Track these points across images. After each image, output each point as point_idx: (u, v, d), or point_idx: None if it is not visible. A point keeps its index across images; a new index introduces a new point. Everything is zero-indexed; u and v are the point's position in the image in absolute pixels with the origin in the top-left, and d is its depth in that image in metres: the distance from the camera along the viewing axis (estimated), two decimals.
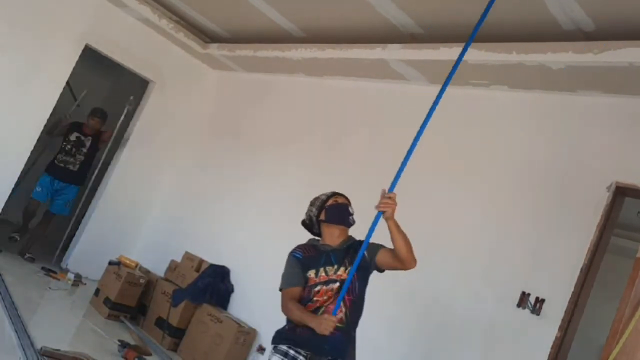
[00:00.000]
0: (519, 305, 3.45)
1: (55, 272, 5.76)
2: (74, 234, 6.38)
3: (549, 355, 3.23)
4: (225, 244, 5.56)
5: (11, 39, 5.29)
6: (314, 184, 5.06)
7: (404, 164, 2.71)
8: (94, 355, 3.78)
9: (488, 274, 3.70)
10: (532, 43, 3.53)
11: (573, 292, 3.28)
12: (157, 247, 6.27)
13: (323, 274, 2.72)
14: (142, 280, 5.24)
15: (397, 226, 2.56)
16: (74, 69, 5.75)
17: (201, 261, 5.44)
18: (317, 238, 2.95)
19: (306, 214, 2.98)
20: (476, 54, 3.80)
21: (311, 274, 2.72)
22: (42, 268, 5.76)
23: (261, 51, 5.52)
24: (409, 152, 2.75)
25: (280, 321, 4.92)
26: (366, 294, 2.77)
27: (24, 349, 3.50)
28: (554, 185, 3.65)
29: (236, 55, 5.91)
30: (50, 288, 5.30)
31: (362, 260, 2.62)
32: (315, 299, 2.68)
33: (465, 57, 3.88)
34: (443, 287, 3.87)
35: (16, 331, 3.79)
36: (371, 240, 2.62)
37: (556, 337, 3.24)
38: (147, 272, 5.68)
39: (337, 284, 2.68)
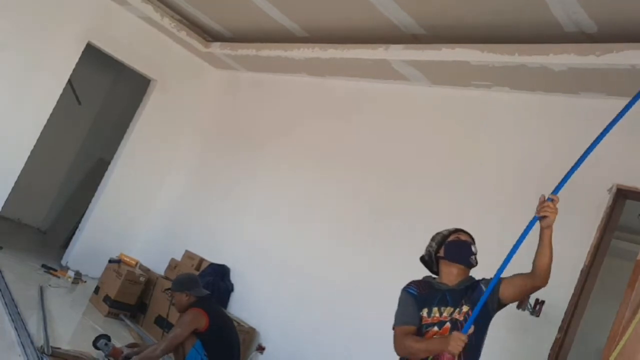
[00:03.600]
0: (518, 306, 3.44)
1: (55, 270, 5.76)
2: (75, 232, 6.39)
3: (549, 356, 3.22)
4: (226, 243, 5.56)
5: (13, 37, 5.29)
6: (315, 184, 5.09)
7: (573, 169, 2.50)
8: (94, 353, 3.78)
9: (488, 274, 3.69)
10: (534, 45, 3.53)
11: (573, 294, 3.28)
12: (157, 245, 6.27)
13: (437, 314, 2.49)
14: (142, 279, 5.24)
15: (551, 237, 2.35)
16: (76, 66, 5.75)
17: (201, 260, 5.44)
18: (433, 276, 2.73)
19: (426, 249, 2.77)
20: (478, 55, 3.81)
21: (424, 312, 2.51)
22: (43, 265, 5.77)
23: (263, 51, 5.52)
24: (581, 158, 2.56)
25: (281, 321, 4.91)
26: (485, 337, 2.54)
27: (23, 346, 3.51)
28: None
29: (238, 54, 5.91)
30: (50, 285, 5.30)
31: (479, 298, 2.41)
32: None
33: (468, 58, 3.92)
34: None
35: (16, 328, 3.79)
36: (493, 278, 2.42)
37: (556, 339, 3.24)
38: (147, 270, 5.68)
39: (448, 324, 2.46)
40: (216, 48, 6.14)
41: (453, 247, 2.63)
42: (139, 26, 6.03)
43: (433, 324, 2.47)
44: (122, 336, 4.63)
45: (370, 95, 5.04)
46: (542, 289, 3.37)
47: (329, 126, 5.23)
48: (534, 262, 2.37)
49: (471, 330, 2.29)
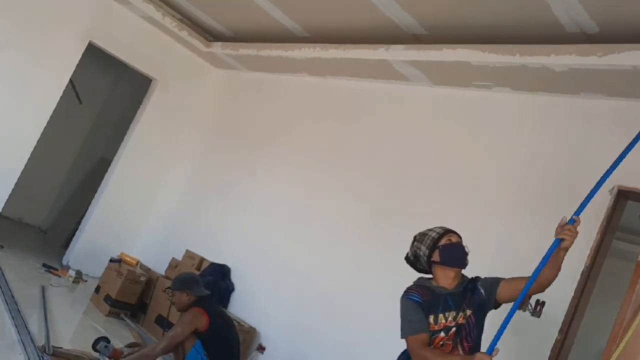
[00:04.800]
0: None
1: (56, 269, 5.77)
2: (76, 232, 6.39)
3: (549, 357, 3.22)
4: (226, 243, 5.56)
5: (14, 36, 5.30)
6: (316, 184, 5.09)
7: (596, 188, 2.47)
8: (94, 353, 3.78)
9: (489, 275, 3.69)
10: (535, 45, 3.52)
11: (574, 295, 3.27)
12: (158, 245, 6.27)
13: (443, 320, 2.47)
14: (142, 278, 5.24)
15: (564, 257, 2.36)
16: (77, 66, 5.75)
17: (202, 260, 5.45)
18: (426, 276, 2.69)
19: (411, 250, 2.73)
20: (479, 56, 3.80)
21: (430, 319, 2.48)
22: (43, 265, 5.77)
23: (264, 50, 5.52)
24: (603, 178, 2.51)
25: (281, 321, 4.92)
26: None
27: (24, 345, 3.51)
28: (555, 187, 3.64)
29: (239, 54, 5.91)
30: (51, 285, 5.31)
31: (479, 299, 2.47)
32: (432, 347, 2.45)
33: (469, 58, 3.92)
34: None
35: (16, 327, 3.79)
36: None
37: (556, 340, 3.23)
38: (147, 270, 5.68)
39: (453, 329, 2.46)
40: (217, 48, 6.14)
41: (448, 252, 2.59)
42: (140, 26, 6.04)
43: (439, 331, 2.46)
44: (122, 336, 4.63)
45: (371, 96, 5.04)
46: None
47: (330, 126, 5.23)
48: (542, 274, 2.37)
49: (496, 352, 2.24)
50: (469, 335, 2.47)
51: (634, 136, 3.39)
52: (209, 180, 6.20)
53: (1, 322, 3.85)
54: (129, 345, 3.95)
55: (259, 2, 4.81)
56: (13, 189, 5.65)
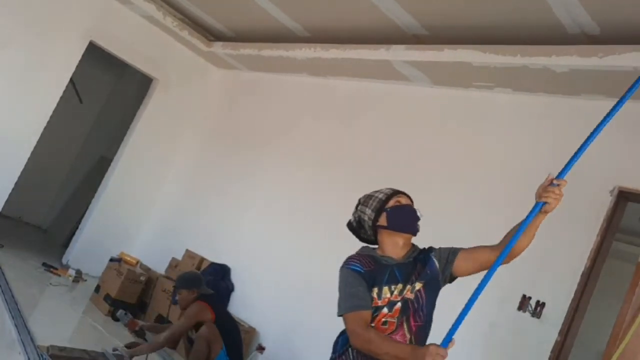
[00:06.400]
0: (519, 308, 3.44)
1: (56, 268, 5.77)
2: (76, 231, 6.39)
3: (549, 359, 3.22)
4: (227, 243, 5.56)
5: (15, 35, 5.30)
6: (316, 184, 5.09)
7: (581, 150, 2.21)
8: (94, 351, 3.78)
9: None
10: (536, 46, 3.52)
11: (574, 296, 3.27)
12: (158, 244, 6.27)
13: (387, 294, 2.10)
14: (142, 278, 5.24)
15: (541, 222, 2.05)
16: (78, 65, 5.75)
17: (202, 259, 5.45)
18: (371, 246, 2.33)
19: (354, 215, 2.38)
20: (480, 56, 3.80)
21: (374, 293, 2.10)
22: (43, 264, 5.77)
23: (265, 50, 5.52)
24: (589, 138, 2.24)
25: (281, 321, 4.91)
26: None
27: (24, 345, 3.51)
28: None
29: (240, 54, 5.91)
30: (51, 284, 5.31)
31: (430, 271, 2.14)
32: (373, 325, 2.07)
33: (469, 59, 3.92)
34: (443, 289, 3.86)
35: (16, 326, 3.79)
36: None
37: (556, 341, 3.23)
38: (147, 269, 5.69)
39: (399, 305, 2.10)
40: (218, 47, 6.14)
41: (397, 215, 2.23)
42: (141, 25, 6.04)
43: (383, 306, 2.08)
44: (122, 335, 4.63)
45: (372, 96, 5.04)
46: (543, 292, 3.40)
47: (330, 126, 5.23)
48: (506, 239, 2.07)
49: (452, 344, 1.86)
50: (418, 313, 2.11)
51: (634, 136, 3.41)
52: (210, 180, 6.20)
53: (1, 321, 3.84)
54: (128, 346, 3.95)
55: (259, 2, 4.81)
56: (13, 188, 5.65)
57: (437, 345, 1.83)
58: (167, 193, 6.58)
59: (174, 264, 5.62)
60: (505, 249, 2.01)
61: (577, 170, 3.57)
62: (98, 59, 6.75)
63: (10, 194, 5.65)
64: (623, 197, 3.33)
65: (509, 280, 3.59)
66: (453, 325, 1.87)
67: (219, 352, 3.66)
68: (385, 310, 2.08)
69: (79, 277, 5.78)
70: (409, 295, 2.11)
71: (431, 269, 2.16)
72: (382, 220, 2.24)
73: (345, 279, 2.16)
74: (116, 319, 3.92)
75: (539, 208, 2.01)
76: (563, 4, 3.18)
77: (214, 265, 5.32)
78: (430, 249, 2.27)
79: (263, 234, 5.29)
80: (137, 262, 5.60)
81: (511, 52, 3.64)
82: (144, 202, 6.51)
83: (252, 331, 4.78)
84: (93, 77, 7.62)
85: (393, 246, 2.23)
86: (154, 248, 6.25)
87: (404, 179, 4.44)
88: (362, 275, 2.12)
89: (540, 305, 3.37)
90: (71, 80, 5.88)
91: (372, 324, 2.07)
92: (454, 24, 3.92)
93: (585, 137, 3.72)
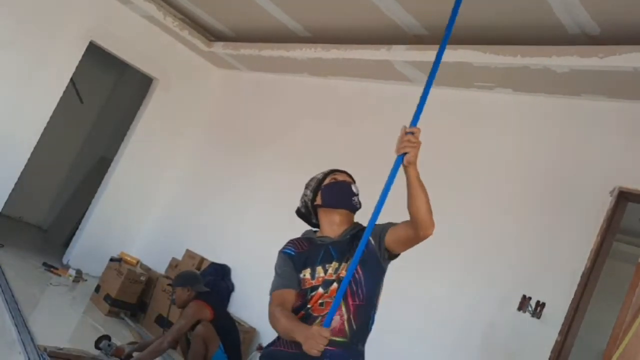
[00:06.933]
0: (519, 308, 3.44)
1: (56, 268, 5.77)
2: (76, 231, 6.39)
3: (549, 359, 3.22)
4: (227, 243, 5.56)
5: (16, 35, 5.30)
6: None
7: (424, 96, 2.22)
8: (93, 352, 3.78)
9: (489, 276, 3.70)
10: (537, 46, 3.53)
11: (574, 296, 3.27)
12: (158, 244, 6.28)
13: (321, 273, 2.09)
14: (142, 278, 5.24)
15: (419, 177, 1.97)
16: (78, 65, 5.76)
17: (202, 259, 5.45)
18: (314, 230, 2.36)
19: (301, 200, 2.40)
20: (481, 57, 3.81)
21: (306, 274, 2.12)
22: (44, 264, 5.77)
23: (266, 50, 5.52)
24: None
25: None
26: (380, 296, 2.18)
27: (24, 344, 3.51)
28: (556, 188, 3.65)
29: (241, 54, 5.91)
30: (51, 284, 5.31)
31: (367, 249, 2.03)
32: (309, 306, 2.07)
33: (470, 59, 3.92)
34: (444, 290, 3.87)
35: (16, 326, 3.79)
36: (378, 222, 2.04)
37: (556, 342, 3.23)
38: (147, 269, 5.69)
39: (335, 284, 2.06)
40: (219, 47, 6.15)
41: (331, 191, 2.24)
42: (141, 25, 6.04)
43: (318, 286, 2.06)
44: (122, 335, 4.63)
45: (372, 96, 5.04)
46: (543, 292, 3.40)
47: (331, 126, 5.23)
48: (411, 209, 1.97)
49: (336, 322, 1.88)
50: (357, 292, 2.05)
51: (634, 136, 3.42)
52: (210, 180, 6.20)
53: (1, 321, 3.85)
54: (129, 344, 3.95)
55: (260, 2, 4.81)
56: (13, 188, 5.65)
57: (320, 327, 1.86)
58: (167, 193, 6.58)
59: (174, 264, 5.62)
60: (378, 206, 1.96)
61: (577, 170, 3.60)
62: (98, 59, 6.75)
63: (11, 194, 5.65)
64: (623, 197, 3.33)
65: (509, 280, 3.59)
66: (333, 304, 1.90)
67: (216, 351, 3.66)
68: (320, 290, 2.06)
69: (79, 277, 5.79)
70: (344, 273, 2.04)
71: (367, 247, 2.05)
72: (319, 199, 2.27)
73: (276, 263, 2.22)
74: (99, 349, 3.72)
75: (401, 161, 1.96)
76: (563, 5, 3.18)
77: (214, 265, 5.32)
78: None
79: (263, 234, 5.29)
80: (137, 262, 5.60)
81: (512, 53, 3.64)
82: (144, 202, 6.51)
83: (252, 331, 4.78)
84: (93, 77, 7.62)
85: (330, 224, 2.23)
86: (154, 248, 6.25)
87: (404, 179, 4.45)
88: (292, 257, 2.16)
89: (540, 305, 3.37)
90: (71, 80, 5.89)
91: (309, 305, 2.05)
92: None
93: (586, 137, 3.73)
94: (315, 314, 2.05)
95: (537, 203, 3.69)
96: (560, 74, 3.53)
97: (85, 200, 6.64)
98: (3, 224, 6.73)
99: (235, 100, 6.49)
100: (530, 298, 3.42)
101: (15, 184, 5.66)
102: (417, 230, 1.98)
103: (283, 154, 5.53)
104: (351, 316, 2.04)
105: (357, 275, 2.06)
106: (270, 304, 2.12)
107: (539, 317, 3.35)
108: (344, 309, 2.04)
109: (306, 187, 2.39)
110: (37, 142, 5.67)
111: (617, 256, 4.76)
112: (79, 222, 6.50)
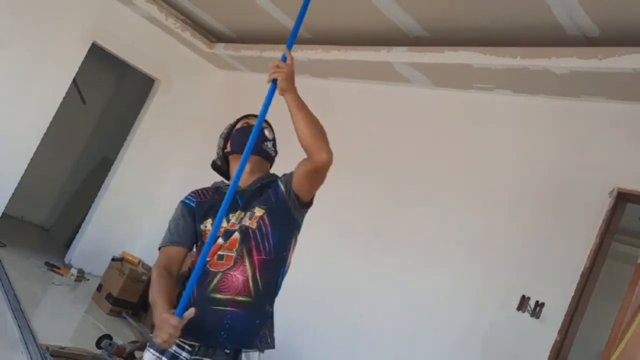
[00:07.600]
0: (518, 308, 3.45)
1: (58, 268, 5.80)
2: (78, 230, 6.42)
3: (548, 358, 3.23)
4: None
5: (18, 36, 5.32)
6: None
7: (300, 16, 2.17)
8: (95, 351, 3.81)
9: (488, 277, 3.71)
10: (536, 48, 3.54)
11: (573, 296, 3.29)
12: (159, 244, 6.28)
13: (224, 223, 1.89)
14: (144, 277, 5.26)
15: (298, 102, 1.87)
16: (81, 66, 5.78)
17: None
18: (226, 181, 2.19)
19: (217, 152, 2.23)
20: (481, 58, 3.82)
21: (207, 224, 1.93)
22: (46, 263, 5.80)
23: (267, 52, 5.54)
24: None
25: (281, 321, 4.95)
26: (292, 251, 2.00)
27: (26, 343, 3.53)
28: (556, 189, 3.66)
29: (242, 55, 5.93)
30: (53, 283, 5.33)
31: (275, 197, 1.91)
32: (208, 259, 1.85)
33: (470, 60, 3.94)
34: (443, 290, 3.88)
35: (19, 325, 3.81)
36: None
37: (555, 341, 3.25)
38: (149, 268, 5.70)
39: (236, 235, 1.86)
40: (220, 49, 6.16)
41: (241, 136, 2.05)
42: (143, 26, 6.06)
43: (218, 237, 1.87)
44: (124, 334, 4.65)
45: (373, 97, 5.06)
46: (542, 292, 3.41)
47: (330, 127, 5.20)
48: (305, 142, 1.91)
49: (190, 314, 1.66)
50: (262, 244, 1.87)
51: (633, 137, 3.43)
52: (211, 180, 6.19)
53: (3, 321, 3.87)
54: (130, 343, 3.97)
55: (261, 4, 4.83)
56: (16, 188, 5.67)
57: (170, 315, 1.65)
58: (168, 193, 6.60)
59: None
60: (251, 141, 1.90)
61: (576, 171, 3.61)
62: (101, 60, 6.77)
63: (13, 194, 5.67)
64: (622, 198, 3.34)
65: (508, 280, 3.61)
66: (188, 285, 1.74)
67: None
68: (220, 241, 1.86)
69: (81, 276, 5.81)
70: (248, 223, 1.88)
71: (276, 195, 1.93)
72: (229, 146, 2.10)
73: (174, 213, 2.03)
74: (100, 348, 3.71)
75: (274, 88, 1.91)
76: (563, 6, 3.20)
77: None
78: (283, 175, 2.05)
79: None
80: (139, 261, 5.62)
81: (511, 54, 3.66)
82: (146, 202, 6.54)
83: None
84: (95, 78, 7.65)
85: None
86: (156, 248, 6.24)
87: (405, 180, 4.47)
88: (191, 208, 1.99)
89: (540, 305, 3.38)
90: (74, 80, 5.91)
91: (208, 258, 1.83)
92: (454, 25, 3.94)
93: (585, 138, 3.75)
94: (212, 269, 1.84)
95: (537, 204, 3.71)
96: (560, 75, 3.55)
97: (87, 200, 6.66)
98: (5, 223, 6.75)
99: (237, 101, 6.50)
100: (529, 298, 3.44)
101: (18, 183, 5.68)
102: (310, 159, 1.86)
103: (282, 155, 5.52)
104: (256, 272, 1.84)
105: (263, 226, 1.88)
106: (155, 264, 1.94)
107: (538, 317, 3.37)
108: (247, 264, 1.84)
109: (220, 136, 2.19)
110: (40, 142, 5.69)
111: (616, 256, 4.78)
112: (81, 222, 6.52)
